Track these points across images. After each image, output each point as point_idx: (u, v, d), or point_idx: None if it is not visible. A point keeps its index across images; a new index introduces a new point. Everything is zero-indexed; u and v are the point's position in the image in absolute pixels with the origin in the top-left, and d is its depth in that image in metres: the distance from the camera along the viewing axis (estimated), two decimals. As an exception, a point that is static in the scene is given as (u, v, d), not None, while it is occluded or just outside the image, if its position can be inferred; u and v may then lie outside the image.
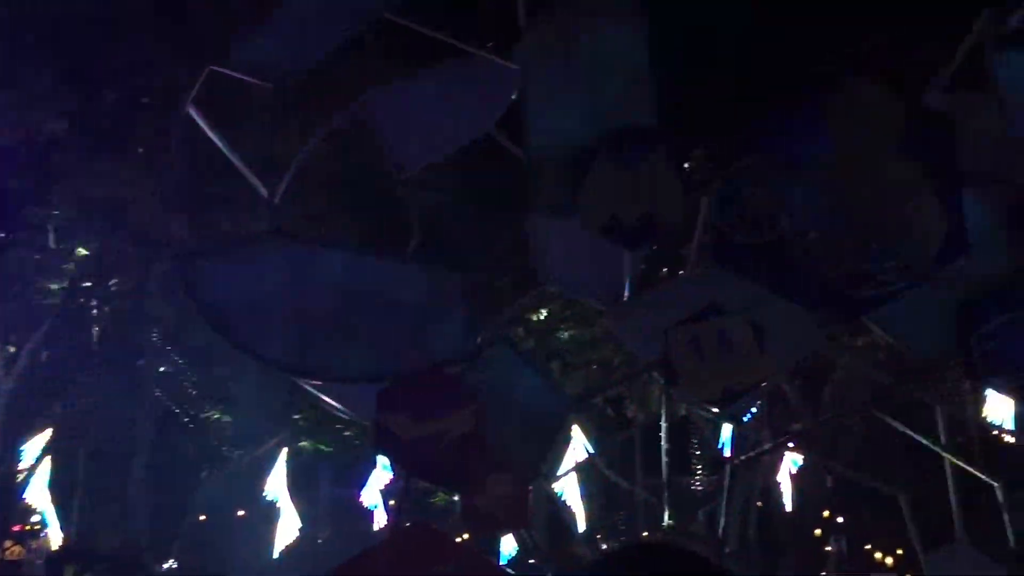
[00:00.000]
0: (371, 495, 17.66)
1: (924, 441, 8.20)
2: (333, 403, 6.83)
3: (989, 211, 5.85)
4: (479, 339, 6.46)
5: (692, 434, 17.62)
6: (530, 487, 6.12)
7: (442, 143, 7.46)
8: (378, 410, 5.88)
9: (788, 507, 17.05)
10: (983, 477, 7.42)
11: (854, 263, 5.79)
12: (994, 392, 7.14)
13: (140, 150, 15.21)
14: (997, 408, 11.44)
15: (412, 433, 5.77)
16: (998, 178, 5.92)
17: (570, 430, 15.51)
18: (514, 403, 6.19)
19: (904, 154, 5.69)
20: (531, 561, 13.03)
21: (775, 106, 5.96)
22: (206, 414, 20.31)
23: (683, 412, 15.38)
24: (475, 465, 5.82)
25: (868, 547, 25.70)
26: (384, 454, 6.75)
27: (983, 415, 11.05)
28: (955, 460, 7.40)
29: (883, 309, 6.16)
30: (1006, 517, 6.80)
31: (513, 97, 6.82)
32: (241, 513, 20.13)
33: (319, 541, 20.31)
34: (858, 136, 5.69)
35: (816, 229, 5.84)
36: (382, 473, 16.11)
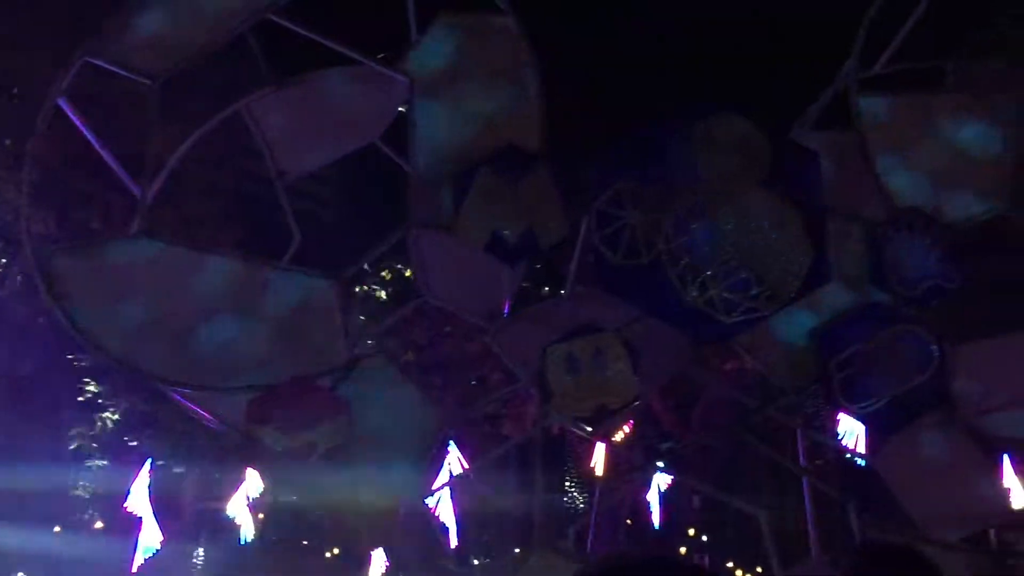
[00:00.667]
0: (238, 508, 17.14)
1: (785, 463, 8.54)
2: (201, 412, 6.62)
3: (849, 243, 6.16)
4: (355, 350, 6.38)
5: (566, 452, 17.82)
6: (401, 502, 6.06)
7: (325, 151, 7.37)
8: (247, 421, 5.73)
9: (656, 525, 17.41)
10: (837, 497, 7.77)
11: (723, 289, 6.01)
12: (849, 416, 7.47)
13: (7, 142, 14.46)
14: (852, 432, 12.01)
15: (282, 445, 5.65)
16: (856, 213, 6.25)
17: (446, 445, 15.49)
18: (389, 416, 6.14)
19: (771, 186, 5.95)
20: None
21: (651, 132, 6.12)
22: (67, 421, 19.36)
23: (557, 430, 15.58)
24: (346, 479, 5.74)
25: (730, 565, 26.48)
26: (253, 466, 6.57)
27: (839, 438, 11.56)
28: (812, 481, 7.71)
29: (749, 334, 6.41)
30: (856, 536, 7.11)
31: (401, 109, 6.82)
32: (99, 525, 19.23)
33: (189, 555, 19.61)
34: (727, 166, 5.91)
35: (689, 255, 6.03)
36: (250, 486, 15.64)
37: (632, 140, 6.22)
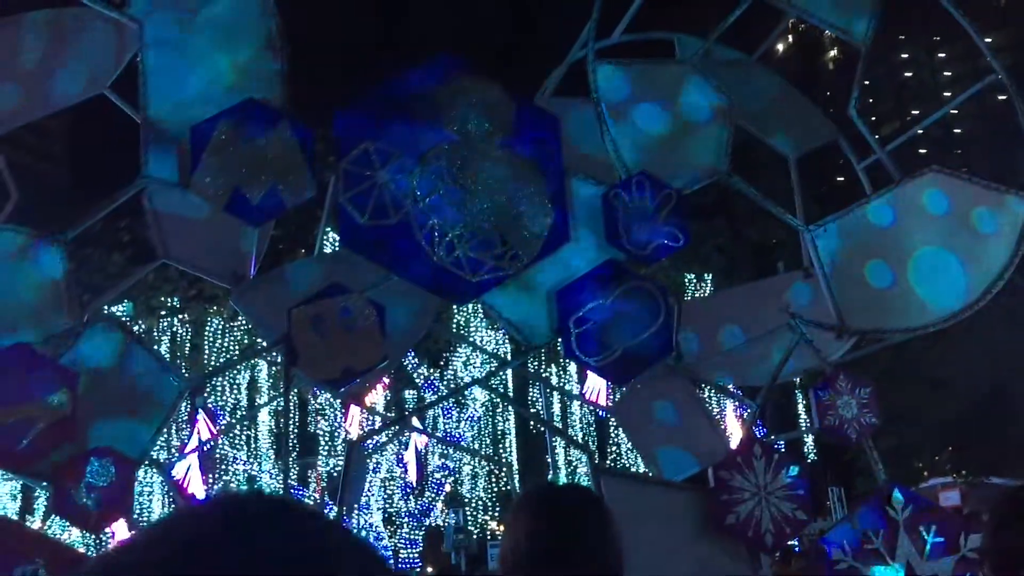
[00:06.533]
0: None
1: (528, 416, 8.90)
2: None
3: (585, 204, 6.46)
4: (85, 315, 5.95)
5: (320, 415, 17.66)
6: (135, 474, 5.75)
7: (46, 101, 6.76)
8: (-45, 394, 5.21)
9: (412, 483, 17.69)
10: (582, 449, 8.22)
11: (469, 249, 6.13)
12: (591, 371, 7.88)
13: None
14: (595, 384, 12.77)
15: (-3, 419, 5.18)
16: (592, 176, 6.55)
17: (194, 413, 14.90)
18: (122, 384, 5.79)
19: (514, 149, 6.11)
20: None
21: (398, 92, 6.09)
22: None
23: (308, 396, 15.44)
24: (70, 451, 5.37)
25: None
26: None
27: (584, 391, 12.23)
28: (555, 431, 8.08)
29: (496, 293, 6.58)
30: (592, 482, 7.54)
31: (133, 57, 6.37)
32: None
33: None
34: (473, 128, 6.01)
35: (436, 215, 6.09)
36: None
37: (379, 100, 6.15)
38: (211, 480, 16.36)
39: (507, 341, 16.85)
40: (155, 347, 15.84)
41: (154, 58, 6.03)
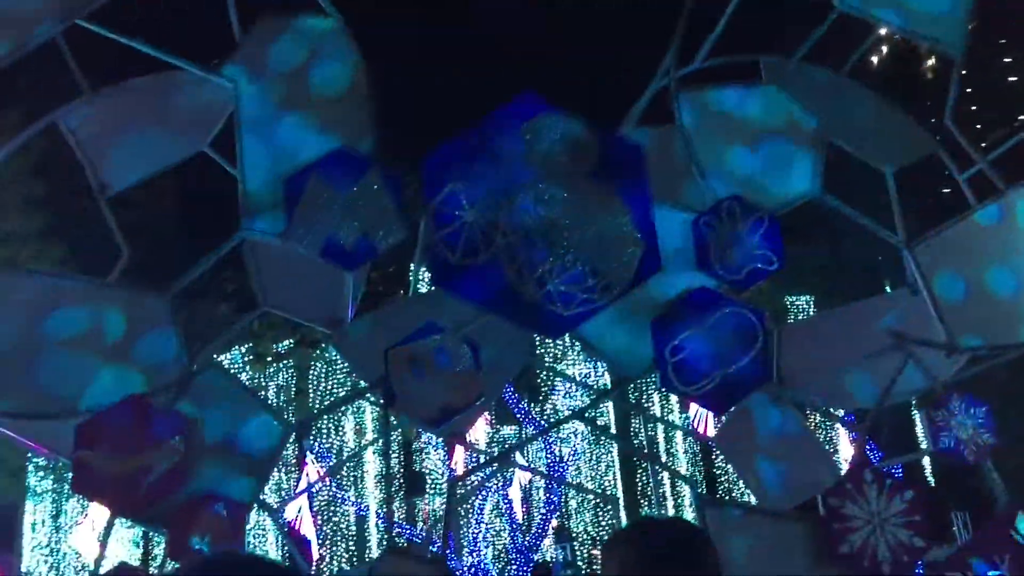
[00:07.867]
0: (83, 540, 16.33)
1: (628, 450, 8.80)
2: (27, 442, 6.26)
3: (675, 232, 6.40)
4: (193, 366, 6.17)
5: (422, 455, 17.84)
6: (246, 517, 5.91)
7: (151, 161, 7.09)
8: (76, 446, 5.46)
9: (518, 519, 17.66)
10: (684, 481, 8.06)
11: (560, 283, 6.12)
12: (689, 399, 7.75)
13: None
14: (700, 413, 12.57)
15: (114, 469, 5.40)
16: (680, 203, 6.50)
17: (303, 455, 15.25)
18: (228, 432, 5.98)
19: (600, 180, 6.11)
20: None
21: (480, 131, 6.17)
22: None
23: (412, 436, 15.61)
24: (185, 499, 5.55)
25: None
26: (85, 494, 6.25)
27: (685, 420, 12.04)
28: (655, 464, 7.96)
29: (590, 325, 6.55)
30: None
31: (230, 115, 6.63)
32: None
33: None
34: (557, 163, 6.03)
35: (525, 252, 6.11)
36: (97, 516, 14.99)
37: (464, 140, 6.24)
38: (321, 521, 16.69)
39: (606, 372, 16.75)
40: (262, 393, 16.30)
41: (247, 114, 6.27)
